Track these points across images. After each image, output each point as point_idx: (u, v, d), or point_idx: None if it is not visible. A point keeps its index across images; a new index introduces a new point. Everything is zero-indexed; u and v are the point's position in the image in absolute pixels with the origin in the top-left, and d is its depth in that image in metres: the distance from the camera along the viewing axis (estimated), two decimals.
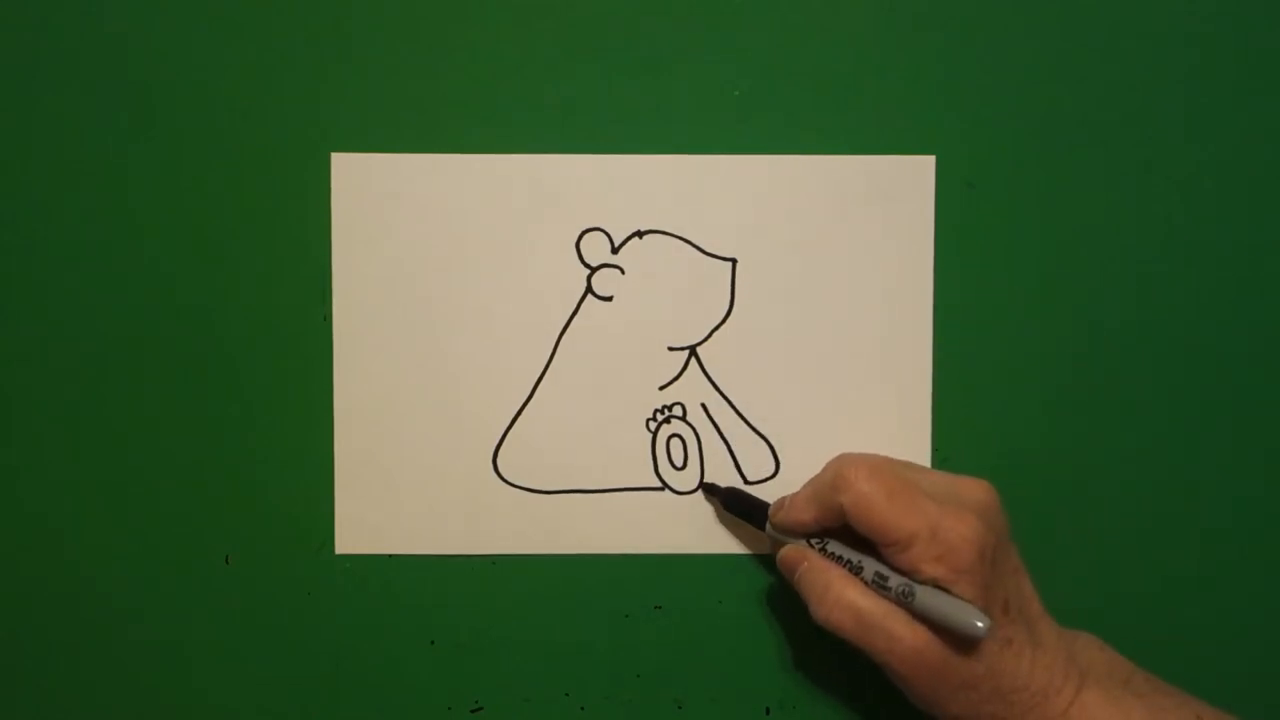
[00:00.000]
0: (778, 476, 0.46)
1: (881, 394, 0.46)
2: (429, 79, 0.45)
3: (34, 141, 0.45)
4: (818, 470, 0.44)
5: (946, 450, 0.46)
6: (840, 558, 0.41)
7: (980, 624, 0.37)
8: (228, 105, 0.45)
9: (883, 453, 0.45)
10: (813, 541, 0.42)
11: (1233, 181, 0.46)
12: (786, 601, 0.46)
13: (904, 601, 0.39)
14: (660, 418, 0.46)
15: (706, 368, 0.46)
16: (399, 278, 0.46)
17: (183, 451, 0.46)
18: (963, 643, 0.39)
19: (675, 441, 0.46)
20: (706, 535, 0.46)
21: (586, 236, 0.46)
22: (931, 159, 0.45)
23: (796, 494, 0.43)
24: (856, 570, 0.40)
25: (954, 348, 0.46)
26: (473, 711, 0.46)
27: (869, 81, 0.45)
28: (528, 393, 0.46)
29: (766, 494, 0.45)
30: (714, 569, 0.46)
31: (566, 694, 0.46)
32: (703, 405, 0.46)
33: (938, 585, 0.38)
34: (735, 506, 0.45)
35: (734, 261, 0.46)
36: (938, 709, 0.40)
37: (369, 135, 0.45)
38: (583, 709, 0.46)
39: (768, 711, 0.46)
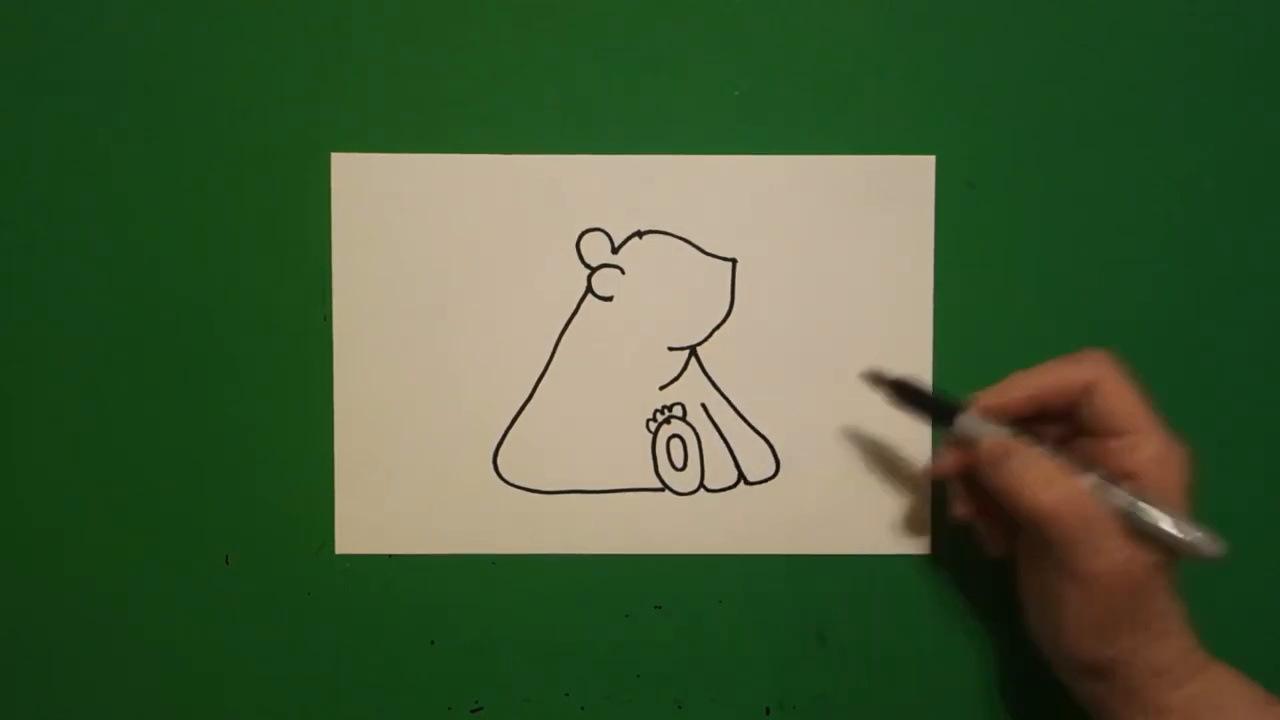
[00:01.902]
0: (778, 476, 0.46)
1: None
2: (429, 79, 0.45)
3: (34, 141, 0.45)
4: (818, 470, 0.44)
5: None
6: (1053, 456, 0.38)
7: (1214, 542, 0.36)
8: (228, 105, 0.45)
9: (883, 452, 0.45)
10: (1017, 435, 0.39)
11: (1233, 181, 0.46)
12: (786, 601, 0.46)
13: (1127, 513, 0.37)
14: (660, 418, 0.46)
15: (706, 368, 0.46)
16: (399, 278, 0.46)
17: (183, 451, 0.46)
18: (1162, 571, 0.37)
19: (675, 442, 0.46)
20: (706, 535, 0.46)
21: (586, 236, 0.46)
22: (931, 159, 0.46)
23: (1006, 381, 0.40)
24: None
25: (954, 348, 0.46)
26: (473, 711, 0.46)
27: (869, 81, 0.45)
28: (528, 393, 0.46)
29: (767, 494, 0.45)
30: (714, 569, 0.46)
31: (566, 694, 0.46)
32: (703, 405, 0.46)
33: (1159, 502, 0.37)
34: (913, 398, 0.42)
35: (734, 261, 0.46)
36: (1102, 642, 0.38)
37: (369, 135, 0.45)
38: (583, 709, 0.46)
39: (768, 711, 0.46)
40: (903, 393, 0.42)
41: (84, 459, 0.46)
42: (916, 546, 0.46)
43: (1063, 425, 0.41)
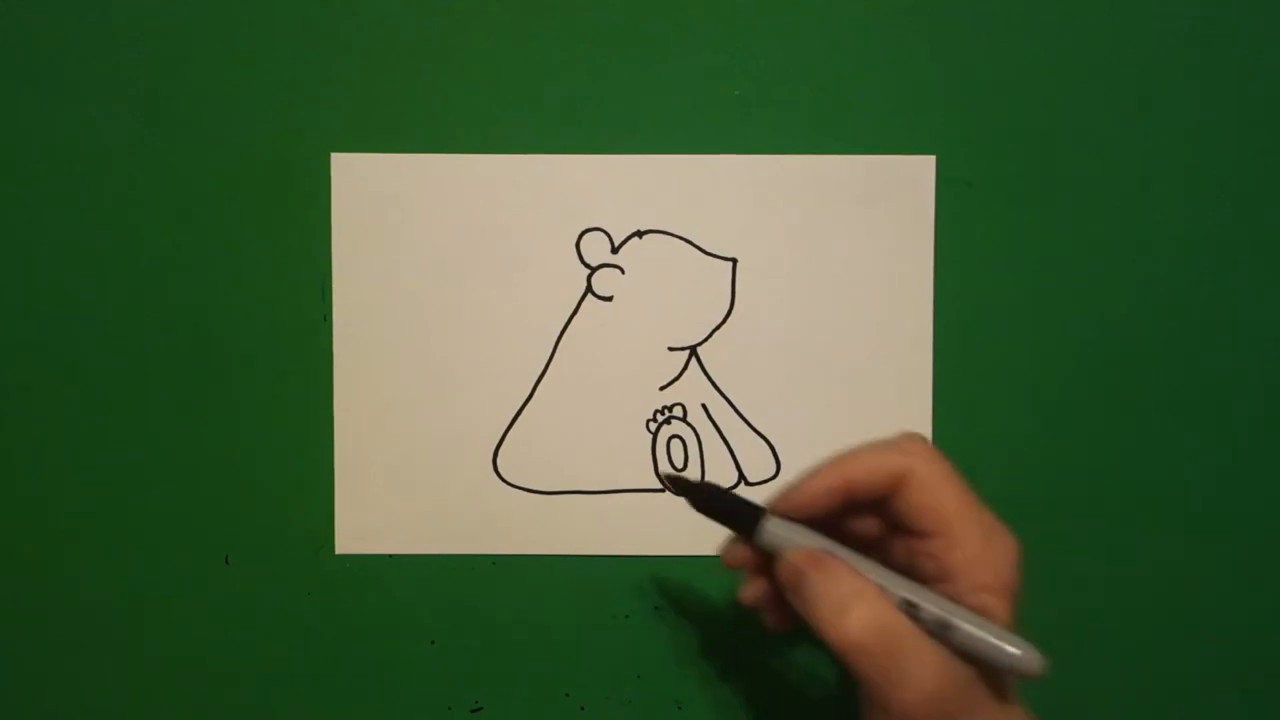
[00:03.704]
0: (778, 477, 0.46)
1: (882, 394, 0.46)
2: (429, 79, 0.45)
3: (34, 141, 0.45)
4: None
5: (946, 450, 0.46)
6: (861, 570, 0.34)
7: (1034, 660, 0.32)
8: (228, 105, 0.45)
9: None
10: (828, 547, 0.36)
11: (1233, 181, 0.46)
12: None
13: (939, 631, 0.33)
14: (660, 418, 0.46)
15: (706, 368, 0.46)
16: (399, 278, 0.46)
17: (183, 451, 0.46)
18: (989, 690, 0.33)
19: (675, 442, 0.46)
20: (707, 536, 0.46)
21: (586, 236, 0.46)
22: (931, 159, 0.45)
23: (811, 471, 0.36)
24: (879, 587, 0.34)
25: (954, 348, 0.46)
26: (473, 711, 0.46)
27: (869, 81, 0.45)
28: (528, 393, 0.46)
29: (767, 494, 0.45)
30: (714, 570, 0.46)
31: (566, 694, 0.46)
32: (703, 406, 0.46)
33: (977, 610, 0.33)
34: (715, 508, 0.38)
35: (734, 261, 0.46)
36: None
37: (369, 135, 0.45)
38: (583, 709, 0.46)
39: (768, 711, 0.46)
40: (703, 503, 0.38)
41: (83, 459, 0.46)
42: None
43: (879, 519, 0.37)
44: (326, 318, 0.46)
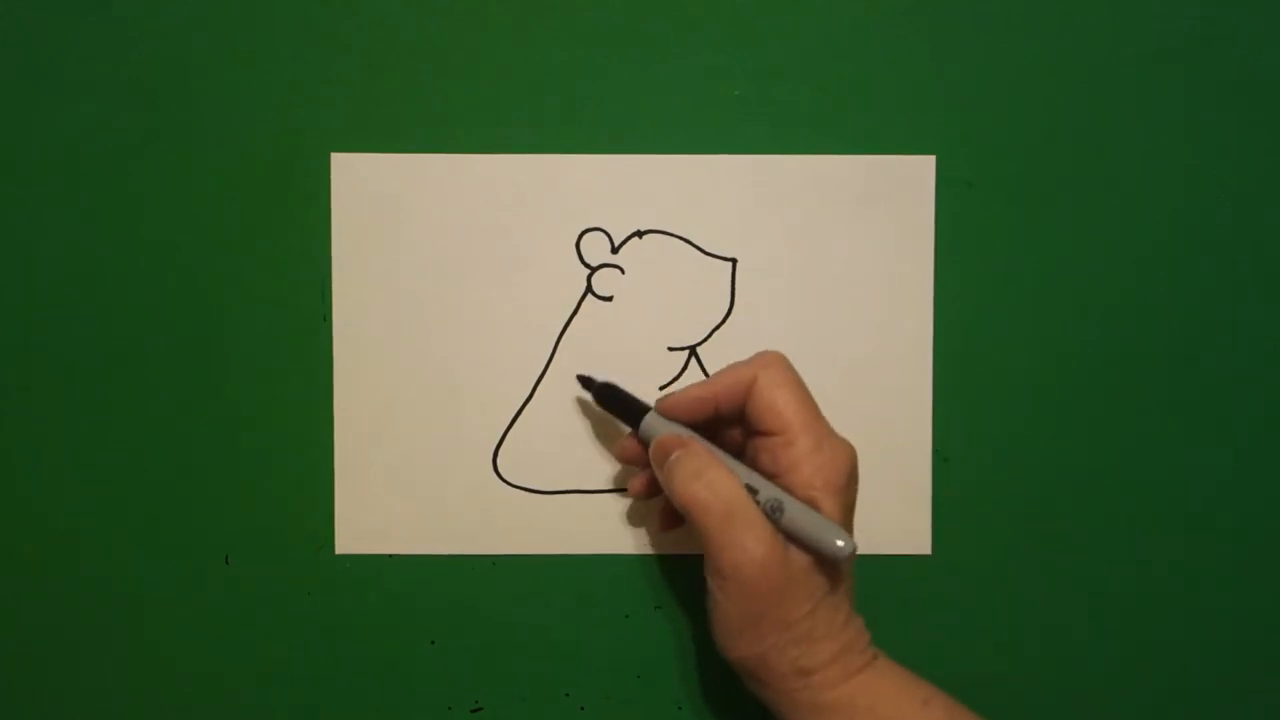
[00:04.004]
0: None
1: (882, 394, 0.46)
2: (429, 79, 0.45)
3: (34, 141, 0.45)
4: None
5: (946, 450, 0.46)
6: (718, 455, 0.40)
7: (842, 544, 0.37)
8: (228, 105, 0.45)
9: (883, 452, 0.45)
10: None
11: (1233, 181, 0.46)
12: None
13: (771, 513, 0.38)
14: None
15: (706, 368, 0.46)
16: (399, 278, 0.46)
17: (183, 451, 0.46)
18: (806, 572, 0.38)
19: None
20: None
21: (586, 236, 0.46)
22: (931, 159, 0.46)
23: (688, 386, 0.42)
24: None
25: (954, 347, 0.46)
26: (473, 711, 0.46)
27: (869, 81, 0.45)
28: (528, 393, 0.46)
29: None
30: None
31: (566, 694, 0.46)
32: None
33: (808, 502, 0.38)
34: (611, 401, 0.44)
35: (734, 261, 0.46)
36: (744, 641, 0.39)
37: (369, 135, 0.45)
38: (582, 709, 0.46)
39: (767, 711, 0.46)
40: (603, 395, 0.44)
41: (84, 459, 0.46)
42: (916, 546, 0.46)
43: (742, 428, 0.42)
44: (326, 318, 0.46)
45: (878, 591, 0.46)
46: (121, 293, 0.45)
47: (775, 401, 0.39)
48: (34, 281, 0.46)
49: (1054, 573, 0.46)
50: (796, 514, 0.38)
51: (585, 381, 0.44)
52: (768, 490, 0.38)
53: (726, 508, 0.38)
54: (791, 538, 0.38)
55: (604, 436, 0.46)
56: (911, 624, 0.46)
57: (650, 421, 0.42)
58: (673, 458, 0.40)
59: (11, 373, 0.46)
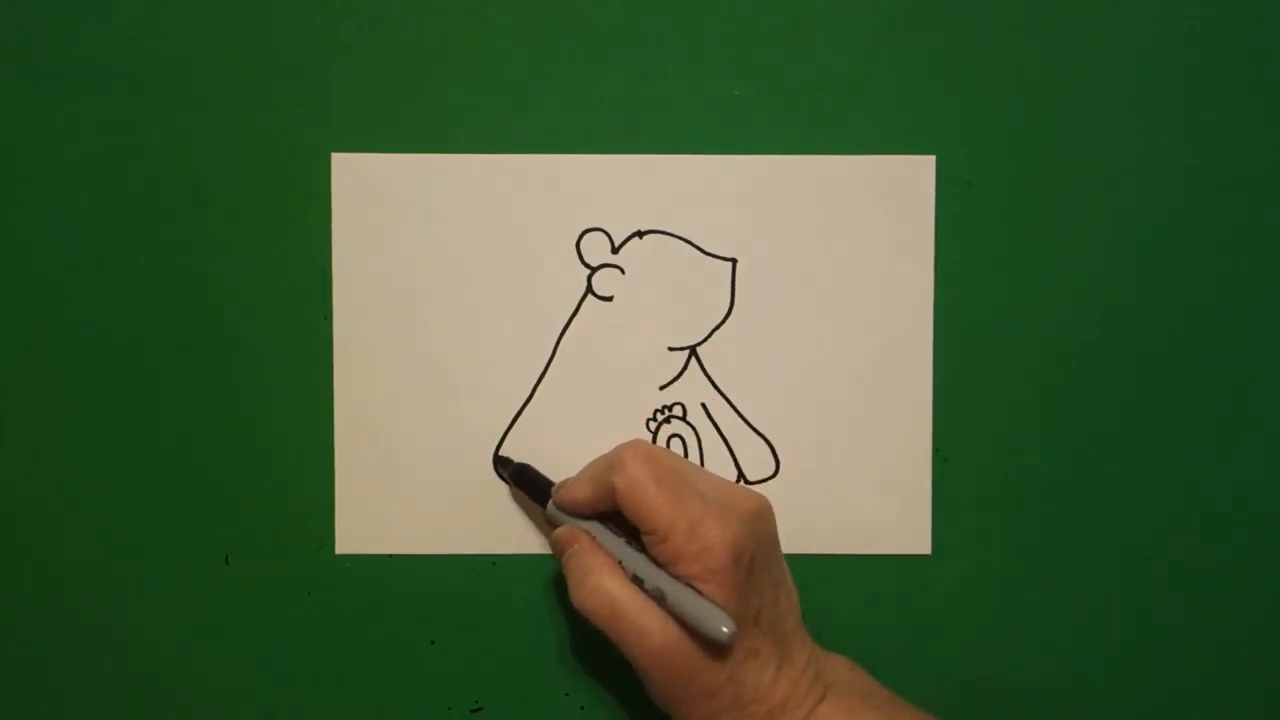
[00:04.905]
0: (778, 476, 0.46)
1: (881, 394, 0.46)
2: (429, 79, 0.45)
3: (33, 142, 0.45)
4: (818, 470, 0.44)
5: (947, 450, 0.46)
6: (607, 547, 0.41)
7: (725, 629, 0.37)
8: (228, 105, 0.45)
9: (883, 452, 0.45)
10: (587, 527, 0.42)
11: (1233, 181, 0.46)
12: None
13: (658, 598, 0.39)
14: (660, 418, 0.46)
15: (706, 368, 0.46)
16: (399, 278, 0.46)
17: (183, 451, 0.46)
18: (708, 647, 0.38)
19: (675, 441, 0.46)
20: None
21: (586, 236, 0.46)
22: (931, 159, 0.46)
23: (579, 473, 0.43)
24: (619, 561, 0.40)
25: (954, 347, 0.46)
26: (473, 711, 0.46)
27: (869, 81, 0.45)
28: (528, 393, 0.46)
29: (767, 494, 0.45)
30: None
31: (566, 694, 0.46)
32: (703, 405, 0.46)
33: (691, 586, 0.38)
34: (524, 482, 0.45)
35: (734, 261, 0.46)
36: (678, 712, 0.39)
37: (369, 135, 0.45)
38: (582, 709, 0.46)
39: None
40: (518, 478, 0.45)
41: (84, 459, 0.46)
42: (916, 546, 0.46)
43: None
44: (326, 317, 0.46)
45: (878, 591, 0.46)
46: (121, 292, 0.45)
47: (638, 504, 0.39)
48: (34, 281, 0.46)
49: (1054, 573, 0.46)
50: (679, 599, 0.38)
51: (503, 462, 0.46)
52: (653, 579, 0.39)
53: (612, 609, 0.39)
54: (679, 622, 0.38)
55: (604, 436, 0.46)
56: (911, 624, 0.46)
57: (551, 511, 0.43)
58: (565, 556, 0.42)
59: (11, 372, 0.46)
